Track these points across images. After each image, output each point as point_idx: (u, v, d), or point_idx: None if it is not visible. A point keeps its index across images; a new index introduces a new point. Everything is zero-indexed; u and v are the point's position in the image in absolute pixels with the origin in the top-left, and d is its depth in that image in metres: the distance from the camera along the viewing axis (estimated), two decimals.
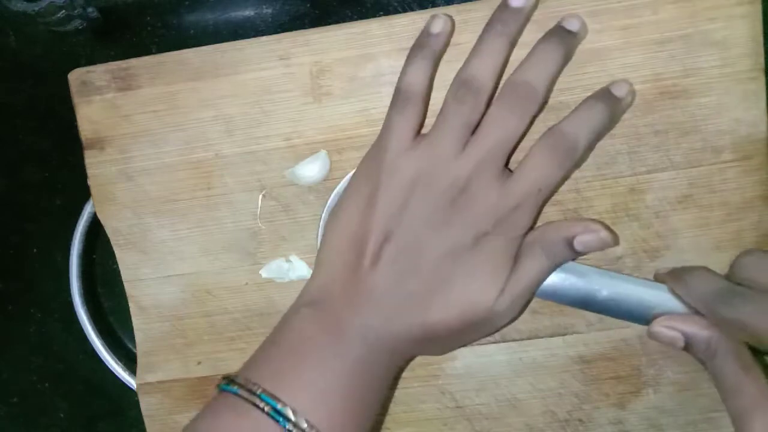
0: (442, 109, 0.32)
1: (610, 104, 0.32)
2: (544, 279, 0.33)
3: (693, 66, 0.33)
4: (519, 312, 0.33)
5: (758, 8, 0.32)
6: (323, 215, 0.35)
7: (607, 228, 0.32)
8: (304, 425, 0.28)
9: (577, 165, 0.33)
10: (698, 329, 0.30)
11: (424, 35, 0.33)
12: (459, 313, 0.31)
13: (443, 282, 0.31)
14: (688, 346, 0.31)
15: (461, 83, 0.32)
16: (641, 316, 0.33)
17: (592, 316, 0.35)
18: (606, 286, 0.33)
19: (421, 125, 0.33)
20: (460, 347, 0.35)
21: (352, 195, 0.33)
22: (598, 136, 0.32)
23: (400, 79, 0.33)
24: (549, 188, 0.32)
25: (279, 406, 0.28)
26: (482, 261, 0.31)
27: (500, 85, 0.32)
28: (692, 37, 0.33)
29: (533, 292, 0.33)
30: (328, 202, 0.35)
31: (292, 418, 0.28)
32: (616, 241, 0.34)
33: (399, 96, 0.33)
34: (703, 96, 0.33)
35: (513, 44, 0.33)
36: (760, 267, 0.30)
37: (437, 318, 0.31)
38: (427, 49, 0.33)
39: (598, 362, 0.36)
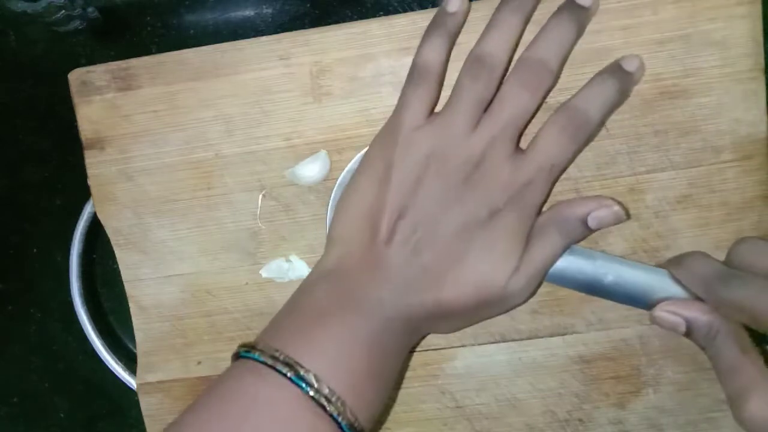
0: (455, 86, 0.32)
1: (621, 79, 0.32)
2: (557, 258, 0.33)
3: (693, 66, 0.33)
4: (532, 292, 0.33)
5: (758, 8, 0.32)
6: (333, 193, 0.35)
7: (619, 203, 0.32)
8: (326, 391, 0.27)
9: (589, 140, 0.33)
10: (700, 314, 0.31)
11: (441, 14, 0.33)
12: (472, 291, 0.31)
13: (456, 259, 0.31)
14: (690, 332, 0.31)
15: (475, 59, 0.32)
16: (644, 301, 0.33)
17: (591, 316, 0.35)
18: (611, 271, 0.33)
19: (436, 103, 0.33)
20: (473, 324, 0.35)
21: (366, 171, 0.33)
22: (610, 110, 0.33)
23: (416, 56, 0.33)
24: (561, 164, 0.32)
25: (302, 372, 0.28)
26: (495, 239, 0.31)
27: (513, 62, 0.33)
28: (692, 37, 0.33)
29: (547, 271, 0.33)
30: (339, 179, 0.35)
31: (315, 383, 0.27)
32: (628, 215, 0.34)
33: (415, 73, 0.33)
34: (703, 96, 0.33)
35: (527, 21, 0.33)
36: (755, 252, 0.30)
37: (450, 295, 0.31)
38: (443, 28, 0.33)
39: (598, 362, 0.36)
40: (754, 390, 0.28)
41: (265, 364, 0.28)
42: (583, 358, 0.36)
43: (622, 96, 0.33)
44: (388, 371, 0.31)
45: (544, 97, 0.32)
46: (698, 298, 0.31)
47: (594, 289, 0.33)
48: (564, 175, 0.34)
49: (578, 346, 0.36)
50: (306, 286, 0.32)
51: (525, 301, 0.33)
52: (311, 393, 0.27)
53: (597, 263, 0.33)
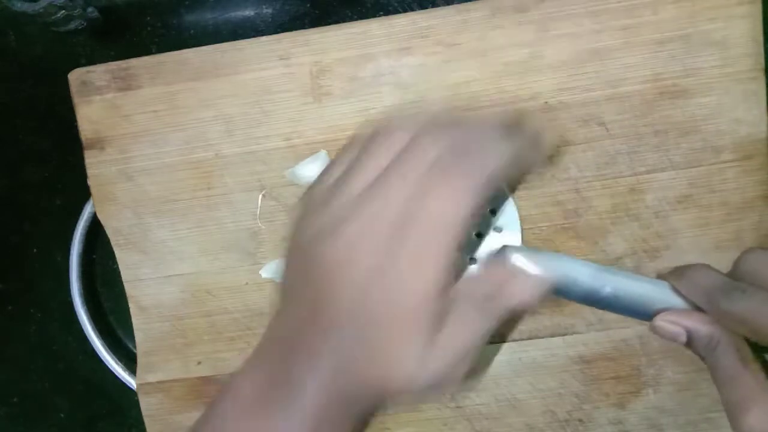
0: (351, 143, 0.27)
1: (515, 137, 0.26)
2: (483, 338, 0.26)
3: (693, 66, 0.33)
4: (461, 378, 0.26)
5: (758, 8, 0.33)
6: None
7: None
8: None
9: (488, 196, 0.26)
10: (700, 325, 0.30)
11: None
12: (374, 383, 0.26)
13: (362, 345, 0.26)
14: (690, 342, 0.31)
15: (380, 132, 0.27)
16: (644, 313, 0.33)
17: (591, 316, 0.35)
18: (610, 283, 0.33)
19: None
20: (402, 411, 0.33)
21: None
22: (509, 168, 0.26)
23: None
24: (453, 226, 0.24)
25: None
26: (396, 328, 0.25)
27: None
28: (692, 37, 0.33)
29: (471, 356, 0.26)
30: None
31: None
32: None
33: (351, 139, 0.28)
34: (703, 96, 0.33)
35: None
36: (761, 263, 0.30)
37: (351, 387, 0.26)
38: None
39: (598, 362, 0.36)
40: (754, 402, 0.28)
41: None
42: (583, 358, 0.36)
43: (522, 155, 0.26)
44: None
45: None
46: (699, 309, 0.31)
47: (592, 300, 0.33)
48: (564, 175, 0.34)
49: (578, 347, 0.36)
50: (239, 371, 0.28)
51: (462, 386, 0.29)
52: None
53: (594, 274, 0.33)
